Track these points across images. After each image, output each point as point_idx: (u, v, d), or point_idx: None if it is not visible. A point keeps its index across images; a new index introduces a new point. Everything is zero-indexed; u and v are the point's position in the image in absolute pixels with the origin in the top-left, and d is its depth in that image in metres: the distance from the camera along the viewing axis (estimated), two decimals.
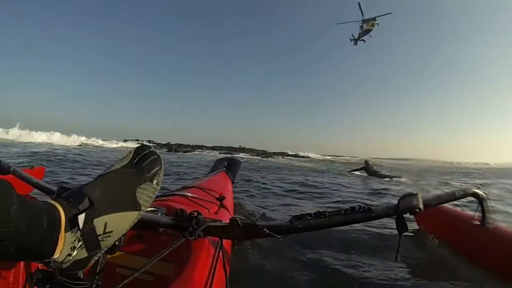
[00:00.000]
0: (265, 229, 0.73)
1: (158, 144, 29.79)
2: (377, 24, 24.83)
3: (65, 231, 0.42)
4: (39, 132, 20.29)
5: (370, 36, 25.64)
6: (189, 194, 1.30)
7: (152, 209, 0.92)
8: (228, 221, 0.84)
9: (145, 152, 0.59)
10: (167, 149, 24.96)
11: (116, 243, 0.52)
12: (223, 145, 32.71)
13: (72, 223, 0.42)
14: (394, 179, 8.19)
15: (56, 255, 0.41)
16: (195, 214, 0.75)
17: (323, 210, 0.74)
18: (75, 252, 0.43)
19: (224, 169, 2.61)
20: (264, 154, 29.44)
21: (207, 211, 1.20)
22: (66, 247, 0.42)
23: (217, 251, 0.84)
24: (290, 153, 34.55)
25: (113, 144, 23.81)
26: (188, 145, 30.29)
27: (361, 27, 25.41)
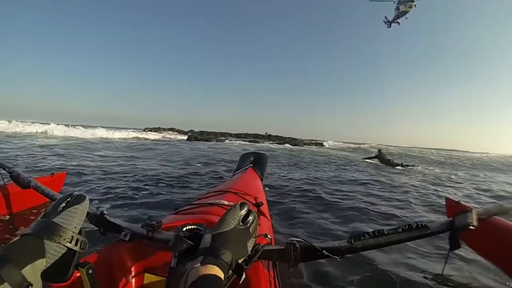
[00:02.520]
0: (324, 251, 0.73)
1: (179, 131, 28.53)
2: (415, 5, 22.90)
3: None
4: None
5: (406, 18, 23.89)
6: (226, 203, 1.28)
7: (193, 226, 0.89)
8: (266, 229, 1.09)
9: (247, 211, 0.72)
10: (187, 138, 23.08)
11: None
12: (249, 132, 30.72)
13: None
14: (408, 167, 8.99)
15: None
16: None
17: (381, 229, 0.75)
18: None
19: (251, 165, 2.56)
20: (292, 142, 27.25)
21: None
22: None
23: (272, 273, 0.84)
24: (319, 140, 32.14)
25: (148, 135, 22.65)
26: (211, 133, 28.67)
27: (397, 8, 23.60)
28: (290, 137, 31.01)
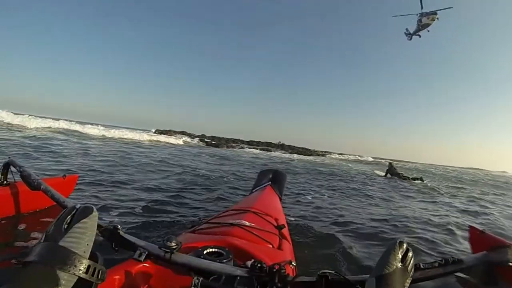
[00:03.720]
0: (358, 285, 0.69)
1: (190, 135, 28.16)
2: (437, 18, 22.77)
3: None
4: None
5: (428, 31, 23.72)
6: (247, 223, 1.22)
7: (213, 250, 0.86)
8: (290, 255, 1.07)
9: (406, 249, 0.69)
10: (200, 140, 22.43)
11: None
12: (261, 140, 30.13)
13: None
14: (416, 181, 9.34)
15: None
16: (277, 267, 0.68)
17: (418, 263, 0.72)
18: None
19: (270, 183, 2.47)
20: (305, 152, 26.61)
21: (270, 246, 1.14)
22: None
23: None
24: (333, 152, 31.41)
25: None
26: (222, 139, 28.15)
27: (419, 20, 23.39)
28: (303, 148, 30.43)
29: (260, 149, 25.31)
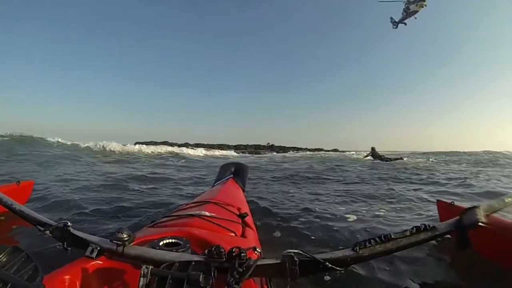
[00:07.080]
0: (326, 263, 0.65)
1: (172, 145, 26.30)
2: (426, 5, 21.72)
3: None
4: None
5: (415, 18, 22.65)
6: (208, 214, 1.21)
7: (171, 240, 0.84)
8: (254, 242, 1.03)
9: None
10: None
11: None
12: (249, 143, 28.61)
13: None
14: (396, 161, 10.54)
15: None
16: (236, 251, 0.63)
17: (388, 234, 0.70)
18: None
19: (232, 176, 2.45)
20: (299, 149, 25.35)
21: (233, 234, 1.13)
22: None
23: None
24: (325, 148, 30.51)
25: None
26: (207, 145, 26.42)
27: (407, 8, 22.54)
28: (294, 147, 29.10)
29: (249, 152, 23.80)
